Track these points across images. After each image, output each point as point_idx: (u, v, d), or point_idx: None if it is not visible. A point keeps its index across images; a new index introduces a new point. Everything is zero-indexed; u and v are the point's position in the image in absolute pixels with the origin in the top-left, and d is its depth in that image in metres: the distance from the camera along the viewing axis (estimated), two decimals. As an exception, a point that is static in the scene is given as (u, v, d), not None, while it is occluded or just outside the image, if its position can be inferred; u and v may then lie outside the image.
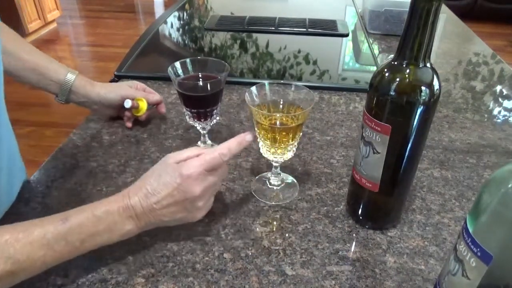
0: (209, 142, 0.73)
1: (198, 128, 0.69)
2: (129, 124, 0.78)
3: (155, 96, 0.78)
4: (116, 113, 0.79)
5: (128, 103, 0.74)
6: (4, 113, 0.59)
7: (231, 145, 0.51)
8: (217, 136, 0.76)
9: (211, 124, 0.69)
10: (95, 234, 0.45)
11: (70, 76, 0.71)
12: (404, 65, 0.44)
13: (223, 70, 0.65)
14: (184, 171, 0.48)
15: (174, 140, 0.75)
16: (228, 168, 0.67)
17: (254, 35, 1.23)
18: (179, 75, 0.66)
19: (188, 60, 0.67)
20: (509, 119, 0.86)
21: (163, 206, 0.48)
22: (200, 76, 0.67)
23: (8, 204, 0.60)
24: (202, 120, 0.67)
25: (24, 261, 0.41)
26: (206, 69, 0.67)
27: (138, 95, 0.76)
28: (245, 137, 0.53)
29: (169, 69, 0.64)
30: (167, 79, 0.90)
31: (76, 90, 0.72)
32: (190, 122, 0.69)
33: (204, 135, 0.71)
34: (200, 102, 0.65)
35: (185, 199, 0.49)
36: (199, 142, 0.73)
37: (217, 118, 0.69)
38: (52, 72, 0.70)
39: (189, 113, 0.66)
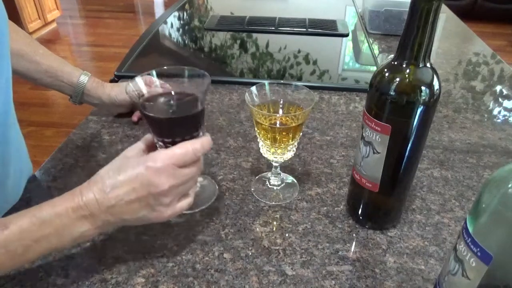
0: (199, 179, 0.59)
1: None
2: (135, 118, 0.79)
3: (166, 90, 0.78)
4: (128, 110, 0.80)
5: None
6: (13, 114, 0.59)
7: (204, 141, 0.47)
8: (218, 172, 0.65)
9: None
10: (40, 240, 0.41)
11: (83, 79, 0.73)
12: (404, 65, 0.44)
13: (201, 84, 0.50)
14: (150, 163, 0.43)
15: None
16: (228, 168, 0.67)
17: (254, 35, 1.23)
18: (142, 94, 0.50)
19: (153, 72, 0.51)
20: (509, 119, 0.86)
21: (123, 203, 0.43)
22: (172, 93, 0.52)
23: (15, 201, 0.60)
24: None
25: None
26: (180, 83, 0.52)
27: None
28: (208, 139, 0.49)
29: (128, 87, 0.48)
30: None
31: (88, 92, 0.74)
32: None
33: None
34: (174, 129, 0.48)
35: (148, 194, 0.44)
36: None
37: None
38: (66, 74, 0.72)
39: (161, 143, 0.49)
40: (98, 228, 0.44)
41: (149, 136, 0.49)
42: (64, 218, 0.42)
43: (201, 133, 0.50)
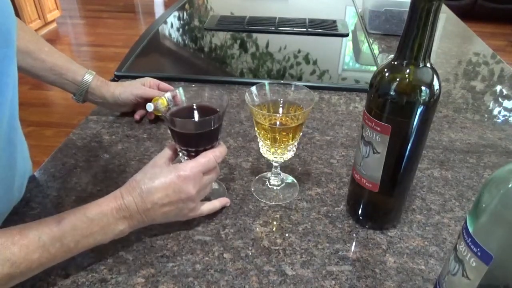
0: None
1: None
2: (137, 117, 0.79)
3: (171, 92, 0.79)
4: (130, 109, 0.80)
5: (150, 107, 0.74)
6: (17, 118, 0.59)
7: (221, 149, 0.55)
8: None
9: None
10: (89, 236, 0.46)
11: (88, 77, 0.73)
12: (404, 65, 0.44)
13: (221, 101, 0.57)
14: (182, 172, 0.50)
15: (174, 140, 0.75)
16: (228, 168, 0.67)
17: (254, 35, 1.23)
18: (169, 109, 0.57)
19: (180, 88, 0.58)
20: (509, 119, 0.86)
21: (158, 206, 0.50)
22: (195, 107, 0.58)
23: (18, 200, 0.60)
24: None
25: (21, 263, 0.42)
26: (203, 98, 0.59)
27: (151, 93, 0.77)
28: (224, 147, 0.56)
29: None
30: (167, 79, 0.90)
31: (92, 91, 0.74)
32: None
33: None
34: (198, 141, 0.55)
35: (179, 199, 0.51)
36: None
37: None
38: (70, 72, 0.72)
39: (184, 151, 0.56)
40: (133, 227, 0.50)
41: (172, 144, 0.56)
42: (110, 217, 0.47)
43: (219, 142, 0.57)
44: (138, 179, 0.50)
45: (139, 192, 0.49)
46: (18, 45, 0.59)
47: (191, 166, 0.51)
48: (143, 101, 0.77)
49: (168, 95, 0.58)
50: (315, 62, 1.07)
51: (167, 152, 0.54)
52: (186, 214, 0.53)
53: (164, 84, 0.80)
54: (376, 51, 1.17)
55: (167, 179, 0.50)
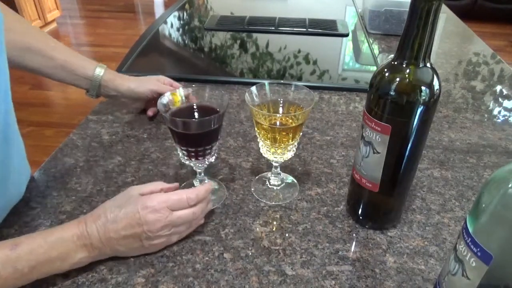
0: (212, 183, 0.63)
1: (194, 168, 0.60)
2: (150, 113, 0.80)
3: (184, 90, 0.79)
4: (143, 105, 0.80)
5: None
6: (12, 114, 0.59)
7: (200, 192, 0.53)
8: (218, 172, 0.67)
9: (211, 161, 0.60)
10: (46, 262, 0.44)
11: (99, 71, 0.72)
12: (404, 65, 0.44)
13: (222, 102, 0.57)
14: (148, 203, 0.49)
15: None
16: (228, 168, 0.67)
17: (254, 35, 1.23)
18: (169, 108, 0.57)
19: (181, 89, 0.59)
20: (509, 119, 0.86)
21: (120, 236, 0.48)
22: (195, 107, 0.59)
23: (17, 200, 0.60)
24: (200, 158, 0.58)
25: None
26: (203, 98, 0.59)
27: (166, 89, 0.76)
28: (210, 185, 0.55)
29: (159, 101, 0.55)
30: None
31: (106, 84, 0.73)
32: (186, 162, 0.59)
33: (200, 173, 0.62)
34: (198, 141, 0.56)
35: (142, 231, 0.49)
36: (194, 181, 0.63)
37: (215, 155, 0.60)
38: (80, 68, 0.71)
39: (184, 152, 0.57)
40: (93, 257, 0.49)
41: (159, 184, 0.54)
42: (70, 243, 0.46)
43: (219, 141, 0.58)
44: (106, 206, 0.49)
45: (104, 222, 0.47)
46: (24, 43, 0.58)
47: (158, 201, 0.49)
48: (157, 97, 0.77)
49: (180, 91, 0.57)
50: (315, 62, 1.07)
51: (146, 188, 0.52)
52: (149, 248, 0.51)
53: (176, 84, 0.81)
54: (376, 51, 1.17)
55: (132, 209, 0.48)
